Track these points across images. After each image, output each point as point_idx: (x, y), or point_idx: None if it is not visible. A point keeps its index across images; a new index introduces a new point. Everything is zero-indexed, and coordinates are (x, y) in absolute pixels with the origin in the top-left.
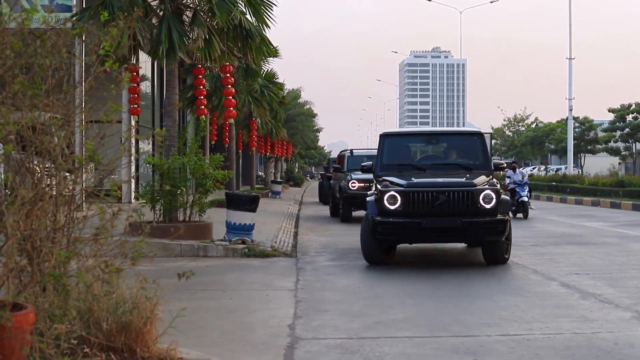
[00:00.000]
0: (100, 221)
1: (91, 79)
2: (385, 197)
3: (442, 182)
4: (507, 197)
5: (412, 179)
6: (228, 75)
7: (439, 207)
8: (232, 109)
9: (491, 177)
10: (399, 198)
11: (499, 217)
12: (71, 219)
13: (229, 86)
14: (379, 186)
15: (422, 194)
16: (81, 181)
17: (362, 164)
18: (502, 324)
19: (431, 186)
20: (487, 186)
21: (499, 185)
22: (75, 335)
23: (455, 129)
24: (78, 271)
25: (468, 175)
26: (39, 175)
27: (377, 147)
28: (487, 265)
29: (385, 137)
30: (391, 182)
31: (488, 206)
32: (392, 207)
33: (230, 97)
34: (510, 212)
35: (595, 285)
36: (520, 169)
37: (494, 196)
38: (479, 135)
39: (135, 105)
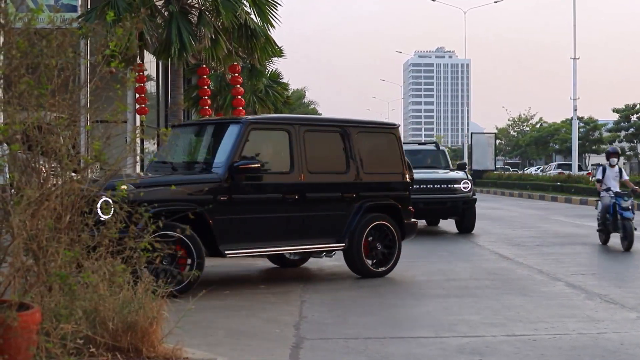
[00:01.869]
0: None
1: (97, 79)
2: None
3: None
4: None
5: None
6: (237, 75)
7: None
8: (241, 108)
9: (203, 185)
10: None
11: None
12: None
13: (238, 86)
14: None
15: None
16: (87, 181)
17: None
18: (508, 324)
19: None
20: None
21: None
22: (81, 335)
23: (218, 118)
24: (84, 271)
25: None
26: (45, 175)
27: None
28: (487, 265)
29: (172, 129)
30: None
31: (103, 218)
32: None
33: (240, 97)
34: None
35: (601, 285)
36: (614, 162)
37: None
38: (239, 124)
39: (143, 105)
